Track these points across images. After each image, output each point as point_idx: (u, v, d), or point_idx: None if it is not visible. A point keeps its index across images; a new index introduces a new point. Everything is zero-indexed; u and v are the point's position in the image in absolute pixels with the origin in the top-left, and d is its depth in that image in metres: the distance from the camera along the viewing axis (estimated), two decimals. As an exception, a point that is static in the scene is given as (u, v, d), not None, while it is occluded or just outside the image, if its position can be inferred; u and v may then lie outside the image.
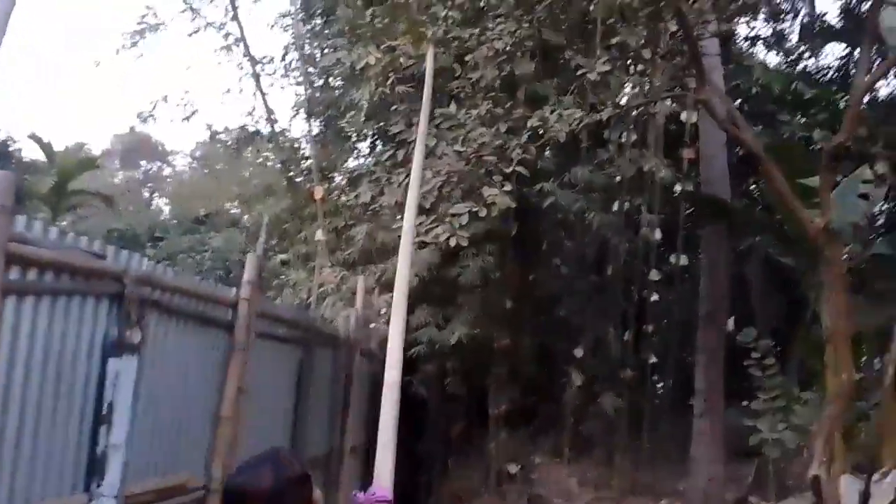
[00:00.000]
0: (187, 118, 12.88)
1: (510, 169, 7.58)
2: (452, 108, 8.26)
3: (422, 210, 9.27)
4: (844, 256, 11.82)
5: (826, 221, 6.38)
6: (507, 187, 8.08)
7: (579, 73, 8.39)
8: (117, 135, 39.83)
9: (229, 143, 15.40)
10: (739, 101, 14.20)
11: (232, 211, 26.62)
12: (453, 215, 8.21)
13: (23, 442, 2.93)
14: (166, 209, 35.88)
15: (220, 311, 4.63)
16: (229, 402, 4.62)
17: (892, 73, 10.81)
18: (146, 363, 3.57)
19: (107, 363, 3.38)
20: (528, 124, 7.18)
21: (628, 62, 9.80)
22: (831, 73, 16.55)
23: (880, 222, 12.61)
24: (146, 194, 40.10)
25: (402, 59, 8.39)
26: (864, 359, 11.05)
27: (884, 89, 12.68)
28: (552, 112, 7.16)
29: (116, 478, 3.33)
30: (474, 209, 8.05)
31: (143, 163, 43.42)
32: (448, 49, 8.16)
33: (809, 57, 16.97)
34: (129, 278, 3.51)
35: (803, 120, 12.43)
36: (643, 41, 7.83)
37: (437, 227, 8.21)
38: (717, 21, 8.39)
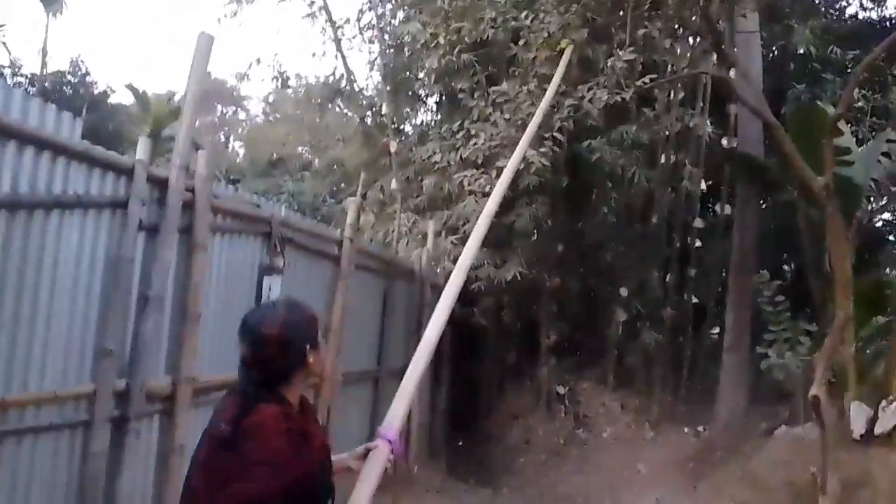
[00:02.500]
0: (278, 78, 14.23)
1: (549, 134, 8.91)
2: (505, 85, 9.55)
3: (475, 165, 10.68)
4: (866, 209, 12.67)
5: (827, 181, 7.47)
6: (543, 149, 9.47)
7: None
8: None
9: (313, 100, 16.76)
10: (788, 59, 14.93)
11: (304, 156, 28.00)
12: (500, 169, 9.64)
13: (215, 329, 4.44)
14: (241, 152, 37.69)
15: (329, 246, 6.12)
16: (337, 317, 6.13)
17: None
18: (285, 281, 5.07)
19: (262, 280, 4.90)
20: (567, 102, 8.43)
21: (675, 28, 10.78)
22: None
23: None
24: (222, 138, 42.02)
25: (465, 35, 9.66)
26: (890, 304, 12.02)
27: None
28: (590, 89, 8.34)
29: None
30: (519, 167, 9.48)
31: (218, 107, 45.31)
32: (505, 29, 9.36)
33: (872, 8, 17.19)
34: (274, 221, 4.99)
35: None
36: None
37: (482, 177, 9.67)
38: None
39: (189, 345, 4.00)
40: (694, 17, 8.81)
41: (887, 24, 16.58)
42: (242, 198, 4.80)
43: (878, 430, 9.43)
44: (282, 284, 4.96)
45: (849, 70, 12.56)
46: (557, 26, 8.63)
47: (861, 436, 9.47)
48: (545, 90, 8.35)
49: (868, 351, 11.66)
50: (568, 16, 8.42)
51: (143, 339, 3.60)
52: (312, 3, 13.71)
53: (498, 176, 9.74)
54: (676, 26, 10.28)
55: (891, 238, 20.07)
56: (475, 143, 9.92)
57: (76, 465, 3.27)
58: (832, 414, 8.44)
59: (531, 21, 8.83)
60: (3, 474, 2.93)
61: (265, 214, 4.90)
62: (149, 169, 3.65)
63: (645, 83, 9.53)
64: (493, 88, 9.87)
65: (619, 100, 8.40)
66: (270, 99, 37.42)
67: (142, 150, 3.60)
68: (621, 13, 8.66)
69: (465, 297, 11.80)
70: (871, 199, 12.90)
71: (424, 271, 9.10)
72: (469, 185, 10.34)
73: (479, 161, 9.97)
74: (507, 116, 9.20)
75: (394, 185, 12.31)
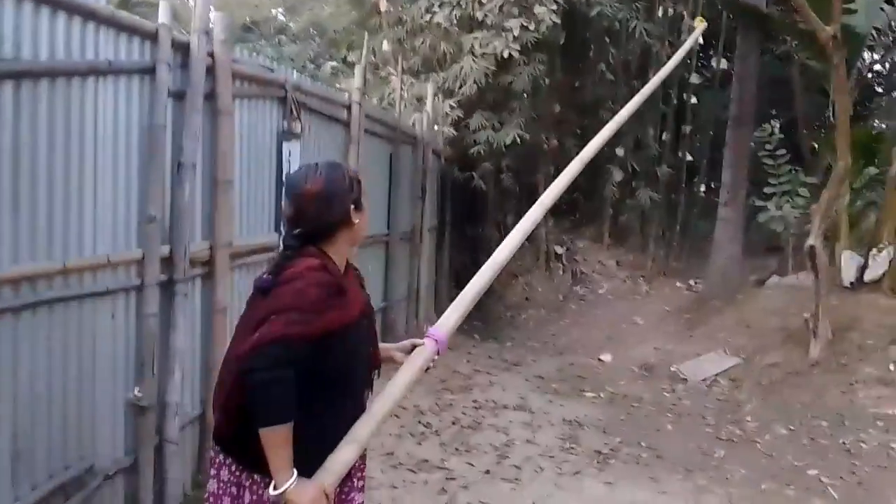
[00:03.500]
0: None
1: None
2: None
3: (480, 25, 10.38)
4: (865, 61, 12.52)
5: (835, 31, 7.37)
6: (554, 6, 9.19)
7: None
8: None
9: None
10: None
11: (279, 20, 26.91)
12: (506, 29, 9.38)
13: (243, 196, 4.49)
14: (212, 17, 36.10)
15: (339, 111, 6.07)
16: (350, 181, 6.18)
17: None
18: (303, 147, 5.07)
19: (282, 145, 4.89)
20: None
21: None
22: None
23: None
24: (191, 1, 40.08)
25: None
26: (878, 155, 12.16)
27: None
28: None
29: (294, 223, 4.96)
30: (525, 24, 9.21)
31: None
32: None
33: None
34: (289, 85, 4.92)
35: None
36: None
37: (494, 40, 9.39)
38: None
39: (223, 211, 4.05)
40: None
41: None
42: (257, 62, 4.71)
43: (867, 277, 9.83)
44: (301, 150, 4.97)
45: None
46: None
47: (851, 283, 9.88)
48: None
49: (859, 202, 11.92)
50: None
51: (180, 206, 3.65)
52: None
53: (514, 40, 9.55)
54: None
55: (880, 90, 20.03)
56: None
57: (132, 326, 3.41)
58: (824, 261, 8.73)
59: None
60: (71, 336, 3.05)
61: (280, 79, 4.82)
62: (173, 34, 3.57)
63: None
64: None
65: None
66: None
67: (164, 13, 3.50)
68: None
69: (465, 161, 11.83)
70: (872, 49, 12.77)
71: (426, 136, 9.06)
72: (481, 47, 10.10)
73: (490, 22, 9.67)
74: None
75: (385, 46, 11.99)
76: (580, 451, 5.67)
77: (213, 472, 2.14)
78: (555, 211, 12.72)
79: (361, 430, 2.05)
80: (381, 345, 2.41)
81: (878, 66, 19.11)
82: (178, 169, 3.64)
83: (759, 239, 17.29)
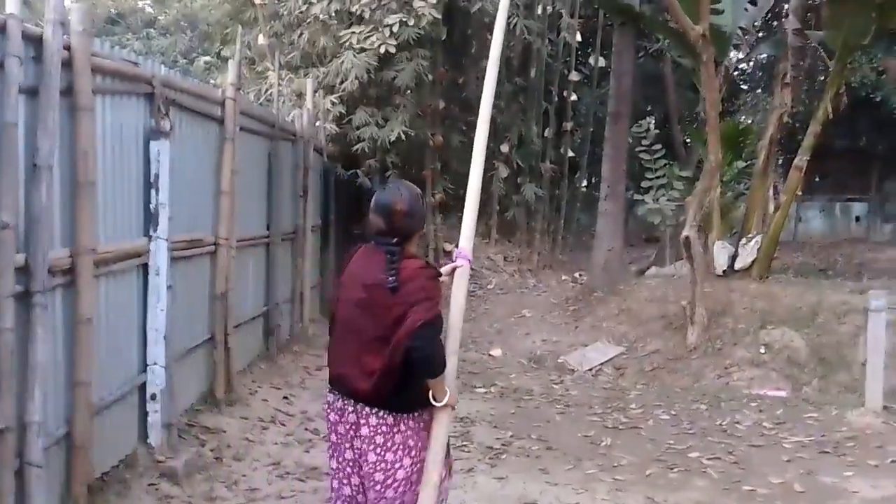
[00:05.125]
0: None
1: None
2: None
3: (359, 20, 10.20)
4: (731, 58, 13.19)
5: (703, 29, 7.68)
6: (434, 1, 9.14)
7: None
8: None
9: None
10: None
11: (146, 11, 25.50)
12: (386, 25, 9.25)
13: (107, 199, 4.17)
14: (74, 6, 33.94)
15: (213, 108, 5.77)
16: (227, 180, 5.88)
17: None
18: (173, 146, 4.77)
19: (149, 144, 4.59)
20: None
21: None
22: None
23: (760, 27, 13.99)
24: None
25: None
26: (746, 149, 12.86)
27: None
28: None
29: (165, 227, 4.64)
30: (405, 19, 9.10)
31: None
32: None
33: None
34: (156, 80, 4.62)
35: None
36: None
37: (372, 35, 9.25)
38: None
39: (85, 216, 3.74)
40: None
41: None
42: (120, 56, 4.39)
43: (738, 265, 10.39)
44: (171, 150, 4.67)
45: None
46: None
47: (724, 271, 10.39)
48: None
49: (729, 193, 12.56)
50: None
51: (36, 210, 3.33)
52: None
53: (392, 35, 9.35)
54: None
55: (745, 87, 21.25)
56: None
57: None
58: (699, 251, 9.13)
59: None
60: None
61: (146, 73, 4.52)
62: (23, 25, 3.25)
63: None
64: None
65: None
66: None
67: (13, 2, 3.18)
68: None
69: (349, 158, 11.64)
70: (738, 47, 13.46)
71: (307, 132, 8.82)
72: (359, 42, 9.90)
73: (367, 15, 9.48)
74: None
75: (262, 40, 11.63)
76: (472, 448, 5.65)
77: (362, 421, 2.87)
78: (443, 208, 12.74)
79: (452, 343, 3.05)
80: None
81: (743, 65, 20.28)
82: (33, 171, 3.32)
83: (638, 230, 18.02)
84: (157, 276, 4.64)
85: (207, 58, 13.85)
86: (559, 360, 9.31)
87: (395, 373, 2.77)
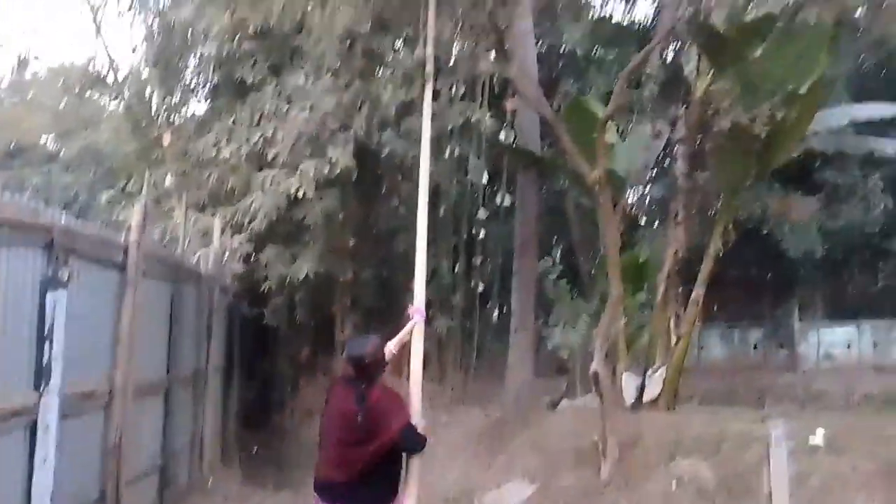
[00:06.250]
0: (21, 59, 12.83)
1: (352, 132, 8.86)
2: (301, 79, 9.30)
3: (271, 163, 10.31)
4: (628, 198, 13.96)
5: (600, 174, 8.12)
6: (349, 148, 9.38)
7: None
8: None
9: (63, 83, 15.30)
10: (557, 56, 16.04)
11: (49, 146, 24.85)
12: (301, 171, 9.38)
13: (2, 349, 3.92)
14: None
15: (115, 253, 5.62)
16: (126, 328, 5.66)
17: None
18: (70, 295, 4.59)
19: (45, 295, 4.39)
20: (364, 101, 8.37)
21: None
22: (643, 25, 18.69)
23: (655, 170, 15.01)
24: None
25: (249, 24, 9.26)
26: (646, 281, 13.36)
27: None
28: (385, 85, 8.38)
29: (58, 381, 4.37)
30: (319, 166, 9.28)
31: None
32: (292, 19, 9.09)
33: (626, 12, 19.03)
34: (57, 230, 4.49)
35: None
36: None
37: (286, 179, 9.35)
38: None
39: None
40: (478, 18, 9.10)
41: (637, 26, 18.47)
42: (17, 202, 4.26)
43: (646, 397, 10.52)
44: (67, 300, 4.48)
45: (613, 66, 13.76)
46: (348, 19, 8.53)
47: (632, 403, 10.51)
48: (340, 87, 8.24)
49: (633, 325, 12.92)
50: (358, 11, 8.33)
51: None
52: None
53: (307, 181, 9.39)
54: (461, 24, 10.56)
55: (641, 223, 22.41)
56: (271, 137, 9.47)
57: None
58: (608, 385, 9.24)
59: (319, 12, 8.61)
60: None
61: (46, 222, 4.39)
62: None
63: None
64: (289, 84, 9.56)
65: (409, 99, 8.42)
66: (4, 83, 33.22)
67: None
68: (412, 13, 8.72)
69: (256, 297, 11.46)
70: (633, 187, 14.28)
71: (212, 273, 8.68)
72: (272, 185, 9.94)
73: (280, 161, 9.59)
74: (305, 114, 8.92)
75: (169, 179, 11.60)
76: None
77: None
78: (353, 344, 12.55)
79: (415, 396, 4.46)
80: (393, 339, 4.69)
81: (640, 200, 21.47)
82: None
83: (549, 360, 18.20)
84: (45, 433, 4.33)
85: (111, 192, 13.67)
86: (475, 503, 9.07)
87: (377, 461, 3.91)
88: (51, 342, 4.36)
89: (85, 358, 5.00)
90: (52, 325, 4.37)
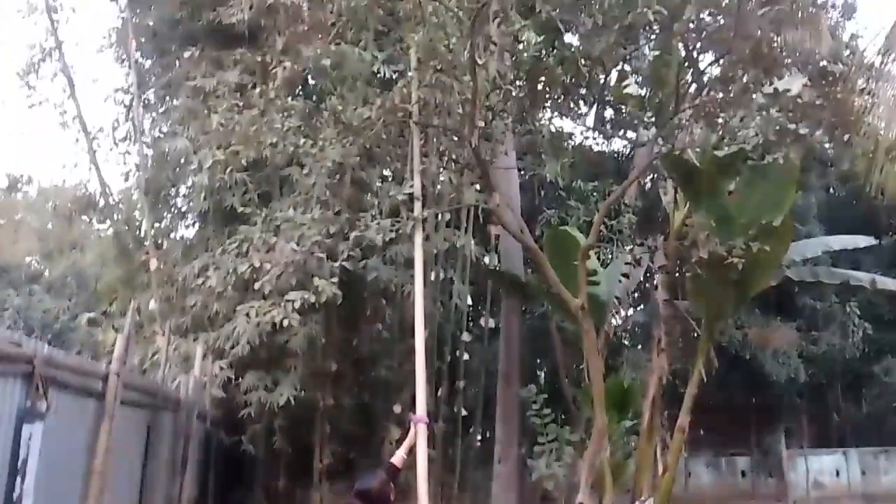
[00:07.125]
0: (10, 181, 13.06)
1: (338, 263, 8.98)
2: (291, 211, 9.50)
3: (257, 292, 10.31)
4: (611, 322, 14.06)
5: (582, 302, 8.23)
6: (335, 279, 9.47)
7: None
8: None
9: (52, 205, 15.54)
10: (538, 186, 16.53)
11: (33, 267, 24.86)
12: (288, 300, 9.41)
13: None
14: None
15: (94, 382, 5.53)
16: (100, 460, 5.49)
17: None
18: (46, 427, 4.49)
19: (21, 427, 4.29)
20: (352, 235, 8.55)
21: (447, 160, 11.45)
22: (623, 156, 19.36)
23: (637, 294, 15.22)
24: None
25: (242, 156, 9.56)
26: (631, 406, 13.24)
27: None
28: (371, 220, 8.58)
29: (28, 518, 4.22)
30: (305, 296, 9.33)
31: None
32: (284, 153, 9.40)
33: (606, 141, 19.71)
34: (38, 360, 4.45)
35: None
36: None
37: (273, 310, 9.37)
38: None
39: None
40: (464, 153, 9.46)
41: (616, 156, 19.20)
42: (4, 334, 4.24)
43: (636, 529, 10.22)
44: (43, 432, 4.38)
45: (592, 196, 14.21)
46: (338, 154, 8.82)
47: (622, 536, 10.19)
48: (329, 217, 8.39)
49: (619, 452, 12.70)
50: (348, 145, 8.63)
51: None
52: (65, 112, 12.97)
53: (294, 310, 9.42)
54: (447, 159, 10.91)
55: (626, 344, 22.43)
56: (257, 267, 9.52)
57: None
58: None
59: (312, 147, 8.89)
60: None
61: (27, 353, 4.35)
62: None
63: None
64: (278, 215, 9.73)
65: (398, 231, 8.58)
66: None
67: None
68: (400, 149, 9.09)
69: (234, 424, 11.18)
70: (615, 313, 14.40)
71: (191, 399, 8.54)
72: (257, 316, 9.91)
73: (266, 291, 9.60)
74: (294, 245, 9.04)
75: (153, 304, 11.57)
76: None
77: None
78: (330, 473, 12.20)
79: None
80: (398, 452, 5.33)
81: (623, 324, 21.57)
82: None
83: (534, 491, 17.68)
84: (7, 578, 4.13)
85: (92, 314, 13.58)
86: None
87: None
88: (23, 476, 4.23)
89: (56, 492, 4.84)
90: (27, 457, 4.25)
